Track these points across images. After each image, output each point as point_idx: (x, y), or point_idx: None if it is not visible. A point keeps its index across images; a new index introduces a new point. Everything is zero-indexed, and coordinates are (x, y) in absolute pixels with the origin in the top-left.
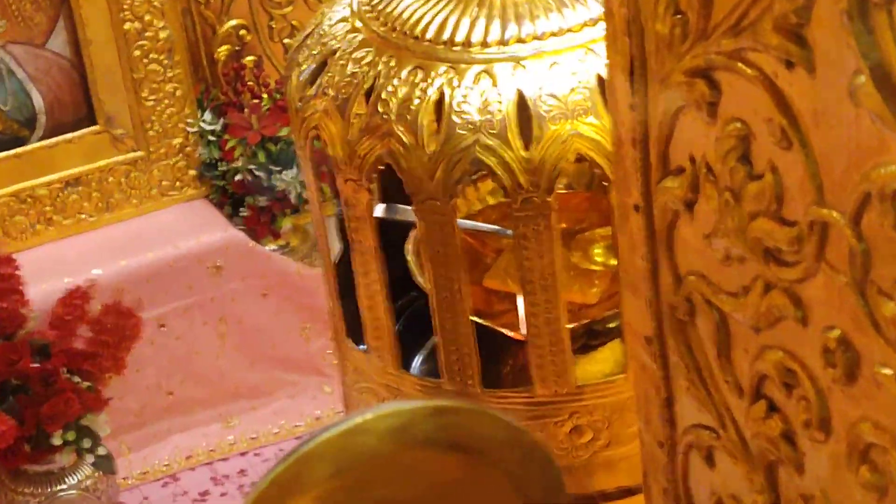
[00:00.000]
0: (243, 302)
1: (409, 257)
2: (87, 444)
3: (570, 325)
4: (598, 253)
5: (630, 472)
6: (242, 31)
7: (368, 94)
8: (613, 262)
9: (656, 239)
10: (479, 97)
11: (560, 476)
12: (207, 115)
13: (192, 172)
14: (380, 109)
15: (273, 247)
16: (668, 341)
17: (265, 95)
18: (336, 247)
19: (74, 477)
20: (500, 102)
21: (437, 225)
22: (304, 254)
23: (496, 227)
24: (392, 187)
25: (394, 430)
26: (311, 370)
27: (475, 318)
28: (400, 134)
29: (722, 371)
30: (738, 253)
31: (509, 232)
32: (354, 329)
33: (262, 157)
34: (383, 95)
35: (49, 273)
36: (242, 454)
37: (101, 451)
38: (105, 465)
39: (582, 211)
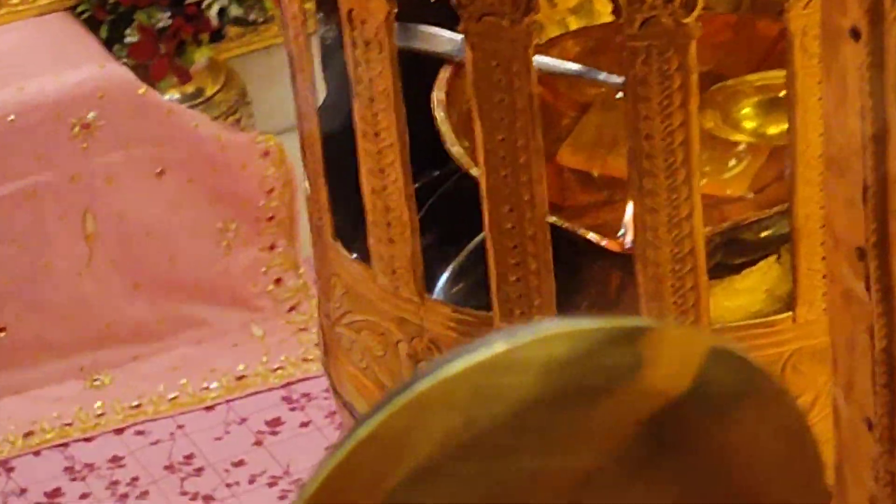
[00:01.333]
0: (125, 184)
1: (438, 113)
2: None
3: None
4: (746, 114)
5: None
6: None
7: None
8: (773, 129)
9: (887, 85)
10: None
11: (816, 448)
12: None
13: None
14: None
15: (177, 95)
16: None
17: None
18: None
19: None
20: None
21: (500, 59)
22: (228, 107)
23: (582, 67)
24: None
25: (559, 364)
26: (233, 300)
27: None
28: None
29: None
30: None
31: (603, 75)
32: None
33: None
34: None
35: None
36: (117, 432)
37: None
38: None
39: (719, 47)
